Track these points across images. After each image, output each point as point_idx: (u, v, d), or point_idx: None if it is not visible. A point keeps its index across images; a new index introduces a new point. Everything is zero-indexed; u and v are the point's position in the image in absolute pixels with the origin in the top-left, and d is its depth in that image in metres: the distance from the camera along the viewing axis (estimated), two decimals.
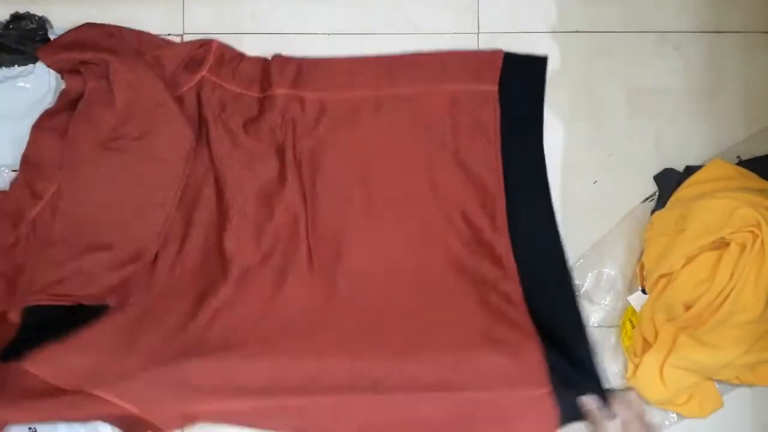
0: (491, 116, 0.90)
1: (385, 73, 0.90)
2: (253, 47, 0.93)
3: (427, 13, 0.94)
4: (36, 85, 0.90)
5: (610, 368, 0.90)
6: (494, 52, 0.91)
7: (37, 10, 0.91)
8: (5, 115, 0.90)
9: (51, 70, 0.89)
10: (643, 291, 0.88)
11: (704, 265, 0.83)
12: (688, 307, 0.84)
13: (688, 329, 0.84)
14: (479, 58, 0.91)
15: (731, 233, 0.81)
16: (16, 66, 0.90)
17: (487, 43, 0.94)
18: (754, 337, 0.83)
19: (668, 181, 0.90)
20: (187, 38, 0.93)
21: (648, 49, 0.94)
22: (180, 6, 0.93)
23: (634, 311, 0.88)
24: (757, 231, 0.80)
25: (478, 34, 0.94)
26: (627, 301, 0.89)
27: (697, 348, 0.83)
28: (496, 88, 0.90)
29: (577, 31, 0.94)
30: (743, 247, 0.81)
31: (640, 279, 0.89)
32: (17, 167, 0.88)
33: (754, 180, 0.88)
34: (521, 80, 0.91)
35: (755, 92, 0.94)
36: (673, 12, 0.94)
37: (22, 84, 0.90)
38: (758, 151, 0.91)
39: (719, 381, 0.87)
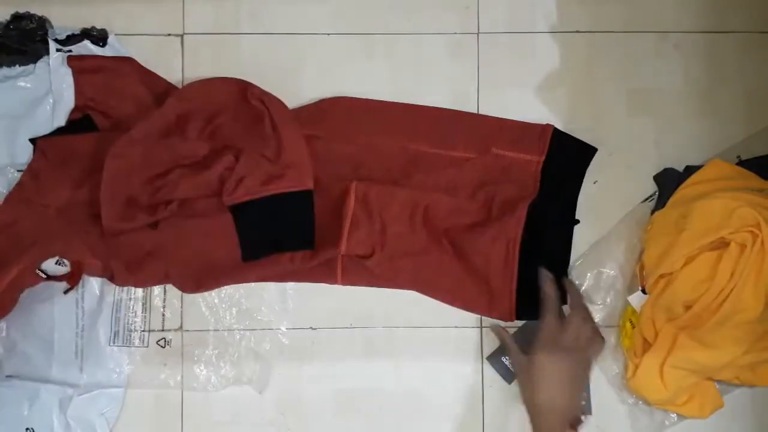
0: (531, 185, 0.90)
1: (428, 129, 0.92)
2: (253, 47, 0.93)
3: (427, 12, 0.94)
4: (36, 85, 0.90)
5: (611, 369, 0.90)
6: (545, 126, 0.92)
7: (37, 10, 0.91)
8: (5, 114, 0.90)
9: (51, 70, 0.89)
10: (643, 291, 0.88)
11: (704, 265, 0.83)
12: (688, 307, 0.84)
13: (688, 329, 0.84)
14: (528, 129, 0.92)
15: (731, 233, 0.81)
16: (16, 66, 0.90)
17: (487, 43, 0.94)
18: (753, 338, 0.82)
19: (668, 181, 0.90)
20: (187, 38, 0.93)
21: (648, 49, 0.94)
22: (180, 6, 0.93)
23: (634, 311, 0.88)
24: (757, 231, 0.80)
25: (478, 33, 0.94)
26: (627, 301, 0.89)
27: (697, 348, 0.83)
28: (542, 158, 0.90)
29: (577, 31, 0.94)
30: (743, 247, 0.81)
31: (640, 279, 0.89)
32: (19, 167, 0.89)
33: (754, 180, 0.87)
34: (566, 160, 0.91)
35: (755, 92, 0.94)
36: (673, 12, 0.94)
37: (22, 84, 0.90)
38: (758, 151, 0.91)
39: (719, 381, 0.87)
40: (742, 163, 0.90)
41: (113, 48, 0.91)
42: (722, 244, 0.82)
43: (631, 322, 0.88)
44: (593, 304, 0.90)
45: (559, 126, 0.92)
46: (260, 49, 0.93)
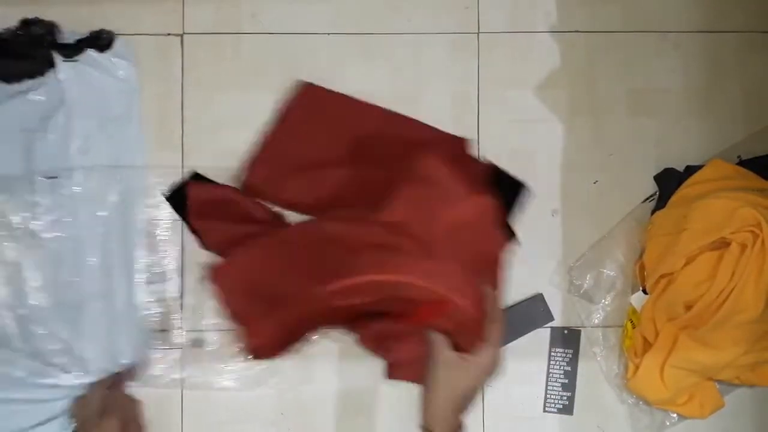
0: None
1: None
2: (253, 47, 0.93)
3: (427, 12, 0.94)
4: (49, 96, 0.89)
5: (611, 369, 0.91)
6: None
7: (37, 10, 0.90)
8: (19, 127, 0.89)
9: (61, 79, 0.88)
10: (644, 291, 0.88)
11: (705, 265, 0.83)
12: (688, 307, 0.84)
13: (689, 329, 0.84)
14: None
15: (732, 233, 0.81)
16: (27, 80, 0.89)
17: (487, 43, 0.94)
18: (754, 338, 0.83)
19: (668, 181, 0.90)
20: (186, 38, 0.93)
21: (648, 48, 0.94)
22: (180, 5, 0.93)
23: (634, 311, 0.88)
24: (757, 231, 0.80)
25: (478, 33, 0.94)
26: (627, 301, 0.89)
27: (698, 348, 0.83)
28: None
29: (577, 31, 0.94)
30: (744, 247, 0.81)
31: (640, 279, 0.89)
32: (46, 173, 0.87)
33: (754, 180, 0.87)
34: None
35: (755, 92, 0.94)
36: (673, 12, 0.94)
37: (34, 97, 0.89)
38: (758, 151, 0.91)
39: (720, 381, 0.87)
40: (742, 163, 0.90)
41: (117, 53, 0.90)
42: (723, 244, 0.82)
43: (631, 321, 0.88)
44: (593, 304, 0.91)
45: (560, 125, 0.93)
46: (260, 49, 0.93)
